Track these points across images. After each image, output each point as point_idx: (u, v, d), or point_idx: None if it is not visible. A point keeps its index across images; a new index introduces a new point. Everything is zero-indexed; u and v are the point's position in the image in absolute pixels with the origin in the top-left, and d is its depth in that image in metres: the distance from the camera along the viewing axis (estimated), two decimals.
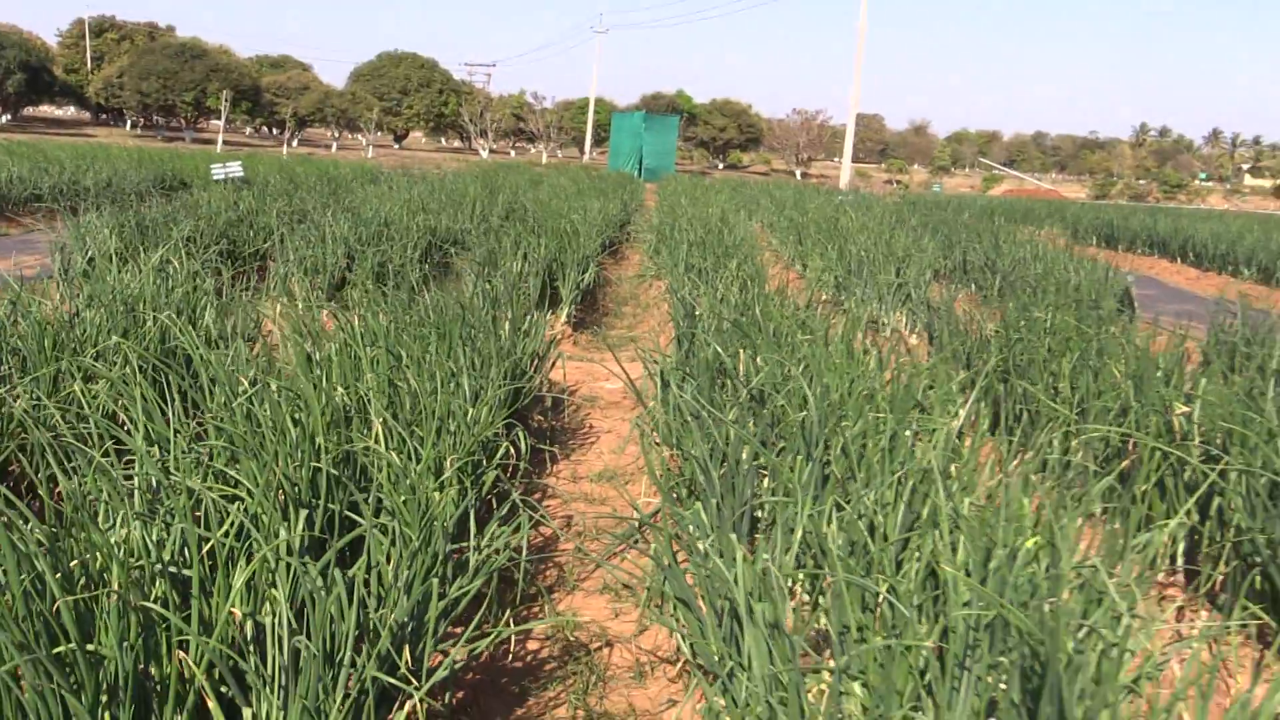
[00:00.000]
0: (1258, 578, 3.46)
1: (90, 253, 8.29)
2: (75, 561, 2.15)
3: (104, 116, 72.40)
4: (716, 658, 2.31)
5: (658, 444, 4.49)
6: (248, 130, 76.82)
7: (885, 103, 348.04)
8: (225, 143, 54.36)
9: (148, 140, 54.21)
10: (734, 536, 2.48)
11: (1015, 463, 3.59)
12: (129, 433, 3.11)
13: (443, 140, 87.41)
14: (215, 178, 19.77)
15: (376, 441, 3.16)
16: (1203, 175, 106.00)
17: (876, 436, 3.07)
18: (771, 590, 2.34)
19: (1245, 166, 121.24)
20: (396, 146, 75.33)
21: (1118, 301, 9.92)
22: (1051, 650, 1.70)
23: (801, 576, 2.72)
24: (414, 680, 2.08)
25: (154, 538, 2.51)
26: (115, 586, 1.97)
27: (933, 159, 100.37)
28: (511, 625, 2.87)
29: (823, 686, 2.19)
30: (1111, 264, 11.32)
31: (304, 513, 2.72)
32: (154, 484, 2.73)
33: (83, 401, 3.55)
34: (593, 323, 9.86)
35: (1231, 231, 18.72)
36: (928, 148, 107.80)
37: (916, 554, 2.47)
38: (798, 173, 76.98)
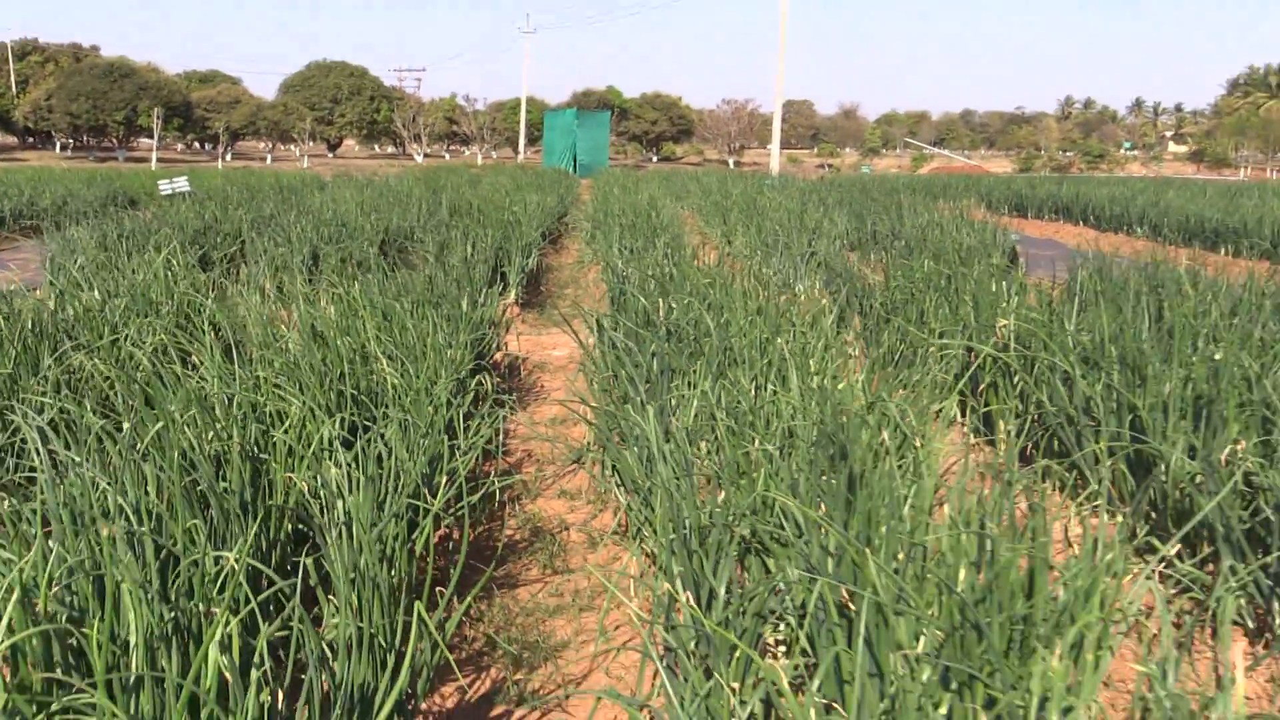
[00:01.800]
0: (1055, 439, 4.61)
1: (79, 260, 9.15)
2: (195, 435, 3.16)
3: (30, 140, 71.95)
4: (638, 479, 3.36)
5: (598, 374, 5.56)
6: (179, 147, 76.82)
7: (816, 89, 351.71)
8: (159, 160, 54.58)
9: (80, 161, 54.23)
10: (650, 409, 3.54)
11: (858, 358, 4.70)
12: (193, 368, 4.11)
13: (376, 147, 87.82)
14: (164, 193, 20.52)
15: (382, 370, 4.19)
16: (1127, 144, 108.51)
17: (753, 344, 4.15)
18: (674, 438, 3.41)
19: (1168, 134, 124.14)
20: (330, 155, 75.72)
21: (1006, 258, 11.14)
22: (836, 430, 2.77)
23: (704, 446, 3.78)
24: (432, 505, 3.10)
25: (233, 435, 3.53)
26: (237, 444, 2.99)
27: (863, 141, 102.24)
28: (496, 491, 3.90)
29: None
30: (1003, 227, 12.55)
31: (337, 417, 3.75)
32: (225, 399, 3.74)
33: (137, 356, 4.53)
34: (538, 304, 10.91)
35: (1126, 195, 20.13)
36: (858, 131, 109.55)
37: (776, 415, 3.55)
38: (731, 161, 78.45)
